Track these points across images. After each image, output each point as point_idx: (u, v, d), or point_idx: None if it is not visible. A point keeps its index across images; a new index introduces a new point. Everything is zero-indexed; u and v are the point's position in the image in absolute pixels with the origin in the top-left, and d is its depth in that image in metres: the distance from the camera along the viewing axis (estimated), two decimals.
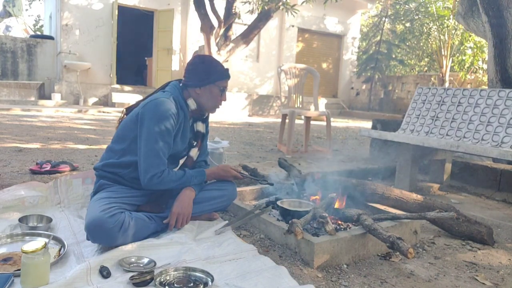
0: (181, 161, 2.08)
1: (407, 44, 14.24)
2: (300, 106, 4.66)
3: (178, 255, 1.62)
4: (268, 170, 3.11)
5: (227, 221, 2.03)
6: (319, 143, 5.38)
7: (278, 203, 2.14)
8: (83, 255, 1.62)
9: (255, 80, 12.58)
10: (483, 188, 3.36)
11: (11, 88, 9.23)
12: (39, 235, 1.74)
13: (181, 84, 2.02)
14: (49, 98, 9.68)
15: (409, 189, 2.99)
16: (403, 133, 3.30)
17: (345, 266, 1.72)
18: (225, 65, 2.15)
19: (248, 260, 1.64)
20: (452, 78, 11.66)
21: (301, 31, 13.28)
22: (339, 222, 2.06)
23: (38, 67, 10.22)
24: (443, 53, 11.52)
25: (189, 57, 10.69)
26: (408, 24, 13.64)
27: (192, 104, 1.98)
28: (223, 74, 1.99)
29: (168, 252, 1.64)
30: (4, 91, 9.13)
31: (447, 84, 11.41)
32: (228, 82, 2.03)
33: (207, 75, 1.95)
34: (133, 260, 1.56)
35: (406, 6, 13.21)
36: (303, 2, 7.44)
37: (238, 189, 2.38)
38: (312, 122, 4.83)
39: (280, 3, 7.18)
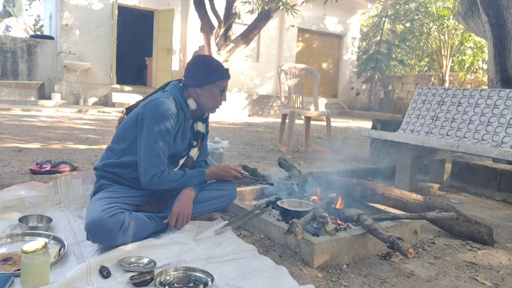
0: (181, 161, 2.08)
1: (407, 44, 14.24)
2: (300, 106, 4.66)
3: (178, 255, 1.62)
4: (268, 170, 3.11)
5: (227, 221, 2.03)
6: (319, 143, 5.38)
7: (278, 203, 2.14)
8: (83, 255, 1.62)
9: (255, 80, 12.58)
10: (483, 188, 3.36)
11: (11, 88, 9.23)
12: (39, 235, 1.74)
13: (181, 84, 2.02)
14: (49, 98, 9.69)
15: (409, 189, 2.99)
16: (403, 133, 3.30)
17: (345, 266, 1.72)
18: (225, 65, 2.15)
19: (248, 260, 1.64)
20: (452, 78, 11.66)
21: (301, 31, 13.28)
22: (339, 222, 2.06)
23: (38, 67, 10.22)
24: (443, 53, 11.52)
25: (189, 57, 10.69)
26: (408, 24, 13.64)
27: (192, 104, 1.98)
28: (223, 74, 1.99)
29: (168, 252, 1.64)
30: (4, 91, 9.13)
31: (447, 84, 11.41)
32: (228, 82, 2.03)
33: (207, 75, 1.95)
34: (133, 260, 1.56)
35: (406, 6, 13.21)
36: (303, 2, 7.44)
37: (238, 189, 2.38)
38: (312, 122, 4.83)
39: (280, 3, 7.18)
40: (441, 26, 11.61)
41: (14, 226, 1.87)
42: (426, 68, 16.07)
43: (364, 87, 14.19)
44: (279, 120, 5.06)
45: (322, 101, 13.13)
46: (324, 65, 14.04)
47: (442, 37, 11.61)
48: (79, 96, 9.99)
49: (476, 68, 11.13)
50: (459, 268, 1.80)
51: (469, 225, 2.14)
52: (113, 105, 9.95)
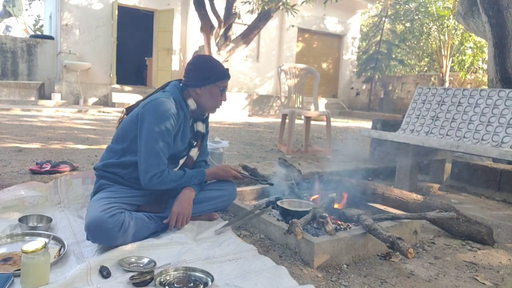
0: (181, 161, 2.08)
1: (407, 44, 14.23)
2: (300, 106, 4.66)
3: (178, 255, 1.62)
4: (268, 170, 3.11)
5: (227, 221, 2.03)
6: (319, 143, 5.38)
7: (278, 203, 2.14)
8: (83, 255, 1.62)
9: (255, 80, 12.58)
10: (483, 188, 3.36)
11: (11, 88, 9.23)
12: (39, 235, 1.74)
13: (181, 84, 2.02)
14: (49, 98, 9.68)
15: (409, 189, 2.99)
16: (403, 133, 3.30)
17: (345, 266, 1.72)
18: (225, 65, 2.14)
19: (248, 260, 1.64)
20: (452, 78, 11.66)
21: (301, 31, 13.28)
22: (339, 222, 2.06)
23: (38, 67, 10.22)
24: (443, 53, 11.52)
25: (189, 57, 10.69)
26: (408, 24, 13.63)
27: (192, 104, 1.98)
28: (223, 74, 1.99)
29: (168, 252, 1.64)
30: (4, 91, 9.13)
31: (447, 84, 11.41)
32: (228, 82, 2.03)
33: (207, 75, 1.95)
34: (133, 260, 1.56)
35: (406, 6, 13.20)
36: (303, 2, 7.44)
37: (238, 189, 2.38)
38: (312, 122, 4.83)
39: (280, 3, 7.18)
40: (441, 26, 11.61)
41: (14, 226, 1.87)
42: (426, 68, 16.06)
43: (364, 87, 14.19)
44: (279, 120, 5.06)
45: (322, 101, 13.13)
46: (324, 65, 14.03)
47: (442, 37, 11.61)
48: (79, 96, 9.99)
49: (476, 68, 11.12)
50: (459, 268, 1.80)
51: (469, 225, 2.14)
52: (113, 105, 9.95)
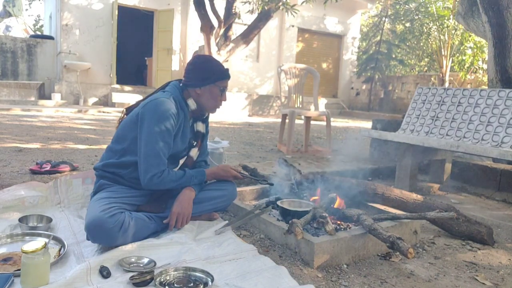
0: (181, 161, 2.08)
1: (407, 44, 14.23)
2: (300, 106, 4.66)
3: (178, 255, 1.62)
4: (268, 170, 3.11)
5: (227, 221, 2.03)
6: (319, 143, 5.38)
7: (278, 203, 2.14)
8: (83, 255, 1.62)
9: (255, 80, 12.58)
10: (483, 188, 3.36)
11: (11, 88, 9.23)
12: (39, 235, 1.74)
13: (181, 84, 2.02)
14: (49, 98, 9.68)
15: (409, 189, 2.99)
16: (403, 133, 3.30)
17: (345, 266, 1.72)
18: (225, 65, 2.14)
19: (248, 260, 1.64)
20: (452, 78, 11.66)
21: (301, 31, 13.28)
22: (339, 222, 2.06)
23: (38, 67, 10.22)
24: (443, 53, 11.52)
25: (189, 57, 10.69)
26: (408, 24, 13.63)
27: (192, 104, 1.98)
28: (223, 74, 1.99)
29: (168, 252, 1.64)
30: (4, 91, 9.13)
31: (447, 84, 11.41)
32: (228, 82, 2.03)
33: (207, 75, 1.95)
34: (133, 260, 1.56)
35: (406, 6, 13.20)
36: (303, 2, 7.44)
37: (238, 189, 2.38)
38: (312, 122, 4.83)
39: (280, 3, 7.18)
40: (441, 26, 11.61)
41: (14, 226, 1.87)
42: (426, 68, 16.06)
43: (364, 87, 14.19)
44: (279, 120, 5.06)
45: (322, 101, 13.13)
46: (324, 65, 14.03)
47: (442, 37, 11.61)
48: (79, 96, 9.99)
49: (476, 68, 11.12)
50: (459, 268, 1.80)
51: (469, 225, 2.14)
52: (113, 105, 9.95)
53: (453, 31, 11.29)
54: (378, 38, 14.10)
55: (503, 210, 2.90)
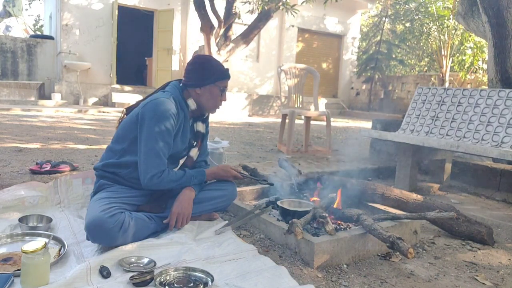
0: (181, 161, 2.08)
1: (407, 44, 14.23)
2: (300, 106, 4.66)
3: (178, 255, 1.62)
4: (268, 170, 3.11)
5: (227, 221, 2.03)
6: (319, 143, 5.38)
7: (278, 203, 2.14)
8: (83, 255, 1.62)
9: (255, 80, 12.58)
10: (483, 188, 3.36)
11: (11, 88, 9.23)
12: (39, 235, 1.74)
13: (181, 84, 2.02)
14: (49, 98, 9.68)
15: (409, 189, 2.99)
16: (403, 133, 3.30)
17: (345, 266, 1.72)
18: (225, 65, 2.14)
19: (248, 260, 1.64)
20: (452, 78, 11.66)
21: (301, 31, 13.28)
22: (339, 222, 2.06)
23: (38, 67, 10.22)
24: (443, 53, 11.52)
25: (189, 57, 10.69)
26: (408, 24, 13.62)
27: (192, 104, 1.98)
28: (223, 74, 1.99)
29: (168, 252, 1.64)
30: (4, 91, 9.13)
31: (447, 84, 11.41)
32: (228, 82, 2.03)
33: (207, 75, 1.95)
34: (133, 260, 1.56)
35: (406, 6, 13.20)
36: (303, 2, 7.43)
37: (238, 189, 2.38)
38: (312, 122, 4.83)
39: (280, 3, 7.17)
40: (441, 26, 11.60)
41: (14, 226, 1.87)
42: (426, 68, 16.06)
43: (364, 87, 14.19)
44: (279, 120, 5.06)
45: (322, 101, 13.13)
46: (324, 65, 14.03)
47: (442, 37, 11.61)
48: (79, 96, 9.99)
49: (476, 68, 11.12)
50: (459, 268, 1.80)
51: (469, 225, 2.14)
52: (113, 105, 9.95)
53: (453, 31, 11.29)
54: (378, 38, 14.10)
55: (503, 210, 2.90)
